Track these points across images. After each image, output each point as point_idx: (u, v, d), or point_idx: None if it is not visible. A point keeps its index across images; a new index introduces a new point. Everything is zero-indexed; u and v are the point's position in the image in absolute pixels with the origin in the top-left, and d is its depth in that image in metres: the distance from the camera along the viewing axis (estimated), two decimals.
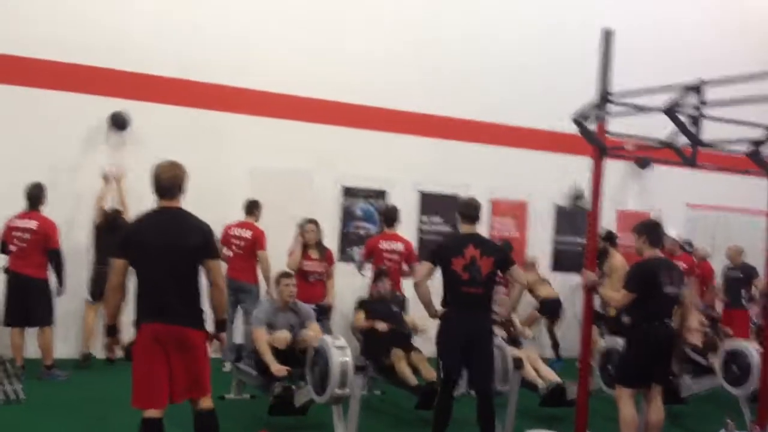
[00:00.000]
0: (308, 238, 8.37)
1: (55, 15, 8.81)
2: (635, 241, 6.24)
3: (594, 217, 6.09)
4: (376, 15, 10.41)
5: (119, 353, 4.82)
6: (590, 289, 6.10)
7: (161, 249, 4.65)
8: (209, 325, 4.87)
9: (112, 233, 8.03)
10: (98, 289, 8.28)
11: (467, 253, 5.91)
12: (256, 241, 8.76)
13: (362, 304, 7.91)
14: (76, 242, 8.65)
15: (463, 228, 6.18)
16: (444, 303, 5.98)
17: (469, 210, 6.19)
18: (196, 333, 4.71)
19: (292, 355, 6.54)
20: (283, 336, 6.70)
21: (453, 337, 5.84)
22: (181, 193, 4.82)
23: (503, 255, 6.21)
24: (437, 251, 6.11)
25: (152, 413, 4.62)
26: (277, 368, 6.41)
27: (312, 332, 6.76)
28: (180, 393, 4.69)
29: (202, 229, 4.81)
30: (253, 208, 8.97)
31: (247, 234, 8.80)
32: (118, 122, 9.00)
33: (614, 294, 6.38)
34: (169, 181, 4.77)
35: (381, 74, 10.29)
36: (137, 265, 4.71)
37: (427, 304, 6.02)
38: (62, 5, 8.88)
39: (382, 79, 10.30)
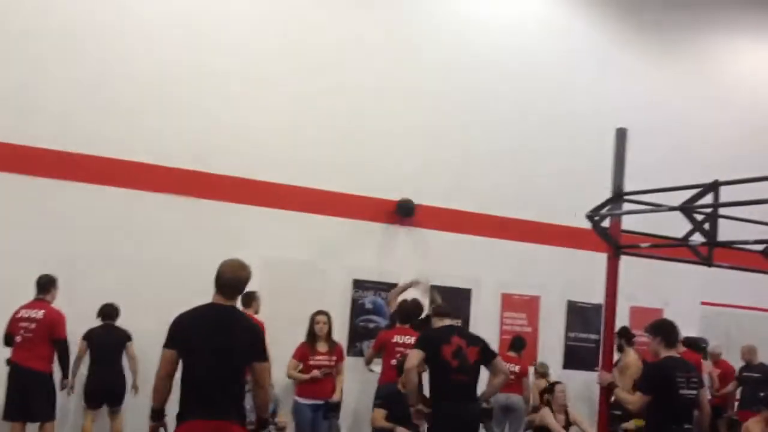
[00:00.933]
0: (318, 330, 8.25)
1: (67, 105, 8.93)
2: (650, 342, 6.11)
3: (610, 315, 6.00)
4: (386, 111, 10.53)
5: None
6: (607, 390, 5.96)
7: (209, 346, 4.66)
8: None
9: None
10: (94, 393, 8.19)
11: (453, 341, 6.18)
12: None
13: (383, 402, 7.67)
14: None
15: (441, 322, 6.47)
16: (433, 395, 6.10)
17: (446, 309, 6.74)
18: (238, 429, 4.70)
19: None
20: None
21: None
22: (239, 294, 4.90)
23: (486, 345, 6.43)
24: (426, 339, 6.35)
25: None
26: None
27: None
28: None
29: (252, 331, 4.89)
30: (250, 299, 8.75)
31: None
32: None
33: (629, 396, 6.22)
34: (231, 280, 4.83)
35: (389, 167, 10.39)
36: (184, 358, 4.71)
37: (413, 392, 6.20)
38: (72, 96, 8.98)
39: (391, 171, 10.39)
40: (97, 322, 8.36)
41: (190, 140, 9.38)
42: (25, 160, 8.59)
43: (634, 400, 6.03)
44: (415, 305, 8.74)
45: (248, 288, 8.60)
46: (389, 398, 7.65)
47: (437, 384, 6.10)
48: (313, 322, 8.30)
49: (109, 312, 8.36)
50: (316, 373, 8.07)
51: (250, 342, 4.80)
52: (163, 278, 8.92)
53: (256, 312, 8.78)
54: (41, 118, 8.74)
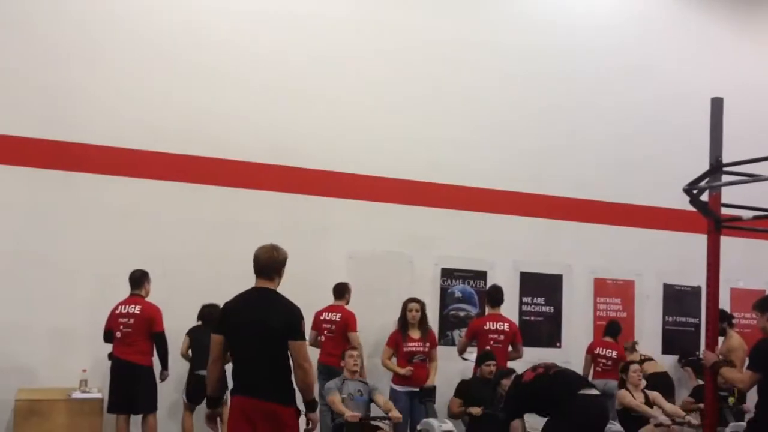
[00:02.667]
0: (410, 317, 8.26)
1: (158, 106, 9.08)
2: (758, 319, 5.86)
3: (713, 292, 5.78)
4: (469, 96, 10.40)
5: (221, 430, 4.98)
6: (712, 370, 5.74)
7: (249, 327, 4.89)
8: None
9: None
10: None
11: None
12: (347, 324, 8.65)
13: (459, 389, 7.81)
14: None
15: None
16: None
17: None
18: (285, 410, 4.83)
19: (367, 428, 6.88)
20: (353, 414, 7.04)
21: None
22: (276, 274, 5.08)
23: None
24: None
25: None
26: (351, 414, 6.93)
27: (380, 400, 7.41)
28: None
29: (288, 310, 4.97)
30: (343, 291, 8.89)
31: (337, 317, 8.72)
32: None
33: (738, 375, 5.99)
34: (265, 261, 5.07)
35: (477, 154, 10.26)
36: (230, 341, 4.97)
37: None
38: (167, 99, 9.13)
39: (478, 159, 10.27)
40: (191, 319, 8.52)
41: (276, 137, 9.44)
42: (116, 161, 8.80)
43: (743, 378, 5.81)
44: (498, 288, 8.77)
45: (339, 280, 8.91)
46: (467, 382, 7.94)
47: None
48: (405, 309, 8.33)
49: (210, 313, 8.45)
50: (409, 370, 8.12)
51: (285, 321, 4.89)
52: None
53: (347, 303, 8.84)
54: (137, 121, 8.92)
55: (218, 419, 5.55)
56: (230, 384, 5.13)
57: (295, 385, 4.93)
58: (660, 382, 9.59)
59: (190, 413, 8.37)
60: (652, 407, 8.10)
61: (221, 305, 7.84)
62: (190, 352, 8.43)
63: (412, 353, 8.21)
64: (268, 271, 5.06)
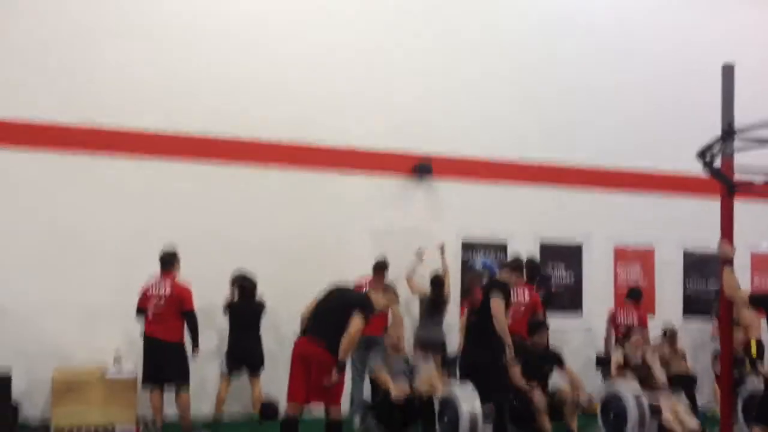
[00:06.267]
0: None
1: (179, 89, 9.29)
2: None
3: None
4: (488, 70, 10.50)
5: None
6: (725, 263, 5.91)
7: (330, 302, 6.52)
8: None
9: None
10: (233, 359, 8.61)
11: None
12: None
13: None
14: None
15: None
16: None
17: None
18: (327, 356, 6.20)
19: (411, 405, 6.84)
20: (402, 385, 7.11)
21: None
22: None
23: None
24: None
25: (290, 411, 6.30)
26: (397, 392, 7.02)
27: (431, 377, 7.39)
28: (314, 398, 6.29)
29: (362, 296, 6.72)
30: (383, 267, 9.12)
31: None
32: None
33: (739, 291, 6.00)
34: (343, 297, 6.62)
35: (498, 125, 10.37)
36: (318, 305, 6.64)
37: None
38: (196, 83, 9.36)
39: (498, 130, 10.38)
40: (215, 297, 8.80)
41: (291, 114, 9.59)
42: (139, 143, 9.04)
43: (743, 295, 5.96)
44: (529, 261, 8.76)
45: (360, 256, 9.10)
46: (523, 350, 7.69)
47: None
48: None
49: (248, 286, 8.71)
50: None
51: (358, 302, 6.43)
52: (269, 250, 9.31)
53: (384, 278, 9.08)
54: (158, 104, 9.15)
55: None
56: None
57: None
58: (681, 381, 9.31)
59: (227, 384, 8.62)
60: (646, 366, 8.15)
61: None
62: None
63: None
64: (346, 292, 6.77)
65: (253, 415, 8.74)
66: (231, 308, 8.63)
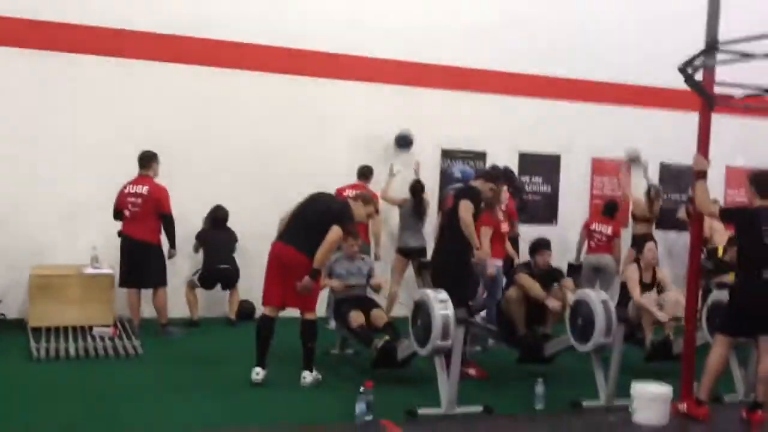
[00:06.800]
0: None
1: None
2: (746, 192, 6.07)
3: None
4: None
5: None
6: (698, 176, 6.01)
7: (310, 208, 6.56)
8: None
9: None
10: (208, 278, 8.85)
11: None
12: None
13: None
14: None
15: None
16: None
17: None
18: (305, 258, 6.32)
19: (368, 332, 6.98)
20: (356, 315, 7.17)
21: None
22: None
23: None
24: None
25: (267, 311, 6.47)
26: (336, 284, 7.33)
27: (380, 280, 7.66)
28: (290, 301, 6.43)
29: (341, 206, 6.68)
30: (367, 173, 9.27)
31: None
32: None
33: (710, 205, 6.17)
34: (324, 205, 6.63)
35: (480, 36, 10.21)
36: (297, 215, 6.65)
37: None
38: None
39: (481, 40, 10.23)
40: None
41: (278, 18, 9.43)
42: (121, 43, 8.86)
43: (712, 208, 6.12)
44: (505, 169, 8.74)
45: (340, 163, 9.12)
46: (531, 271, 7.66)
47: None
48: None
49: (221, 216, 8.95)
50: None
51: (338, 212, 6.51)
52: (256, 156, 9.30)
53: (368, 182, 9.35)
54: (140, 3, 8.99)
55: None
56: None
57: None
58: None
59: (192, 289, 8.86)
60: (657, 284, 8.11)
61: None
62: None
63: None
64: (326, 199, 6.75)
65: (230, 319, 8.96)
66: (203, 237, 8.89)
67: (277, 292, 6.43)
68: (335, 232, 6.33)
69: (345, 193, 8.94)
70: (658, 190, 10.32)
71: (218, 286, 8.96)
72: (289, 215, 6.64)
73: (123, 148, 8.44)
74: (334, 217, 6.40)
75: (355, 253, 7.57)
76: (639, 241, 9.50)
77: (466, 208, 6.87)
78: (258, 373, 6.36)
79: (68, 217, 8.65)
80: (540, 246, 7.70)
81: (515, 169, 10.52)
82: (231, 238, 8.99)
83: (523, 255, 9.11)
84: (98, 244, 8.38)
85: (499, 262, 8.34)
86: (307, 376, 6.45)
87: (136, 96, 8.96)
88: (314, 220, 6.39)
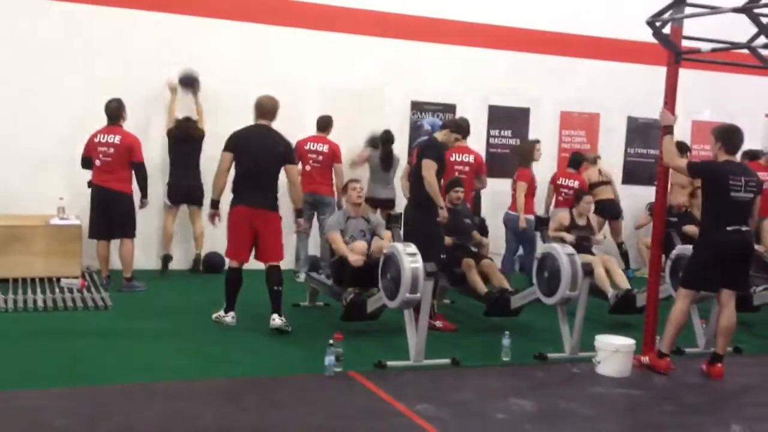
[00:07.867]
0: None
1: None
2: (711, 147, 6.13)
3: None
4: None
5: (218, 222, 6.90)
6: (665, 132, 6.12)
7: (257, 152, 6.56)
8: None
9: (186, 140, 8.71)
10: (176, 194, 8.76)
11: None
12: (334, 155, 9.09)
13: None
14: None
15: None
16: None
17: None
18: (273, 214, 6.65)
19: (369, 270, 6.69)
20: (360, 244, 7.02)
21: None
22: (274, 117, 6.74)
23: None
24: None
25: (235, 264, 6.67)
26: (354, 258, 6.85)
27: (385, 241, 7.04)
28: (260, 255, 6.66)
29: (285, 142, 6.76)
30: (326, 124, 9.15)
31: (324, 148, 9.06)
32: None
33: (678, 159, 6.25)
34: (270, 107, 6.72)
35: None
36: (238, 160, 6.61)
37: None
38: None
39: None
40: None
41: None
42: None
43: (680, 163, 6.20)
44: (465, 120, 8.64)
45: (312, 113, 9.07)
46: None
47: None
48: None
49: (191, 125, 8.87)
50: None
51: (284, 149, 6.70)
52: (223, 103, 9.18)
53: (328, 134, 9.20)
54: None
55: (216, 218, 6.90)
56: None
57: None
58: (607, 208, 10.17)
59: (172, 217, 8.97)
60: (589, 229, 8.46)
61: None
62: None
63: None
64: (270, 114, 6.70)
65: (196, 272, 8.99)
66: (171, 138, 8.81)
67: (245, 250, 6.68)
68: (294, 172, 6.82)
69: (306, 147, 8.97)
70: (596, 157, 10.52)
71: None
72: (239, 168, 6.64)
73: (92, 98, 8.29)
74: (285, 160, 6.67)
75: (359, 204, 7.40)
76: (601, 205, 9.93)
77: (427, 167, 6.84)
78: (233, 317, 6.75)
79: (36, 167, 8.55)
80: (452, 185, 7.80)
81: (485, 122, 10.60)
82: (197, 137, 8.88)
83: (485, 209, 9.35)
84: (66, 194, 8.29)
85: (531, 216, 8.90)
86: (276, 318, 6.53)
87: (107, 44, 8.83)
88: (264, 172, 6.60)
